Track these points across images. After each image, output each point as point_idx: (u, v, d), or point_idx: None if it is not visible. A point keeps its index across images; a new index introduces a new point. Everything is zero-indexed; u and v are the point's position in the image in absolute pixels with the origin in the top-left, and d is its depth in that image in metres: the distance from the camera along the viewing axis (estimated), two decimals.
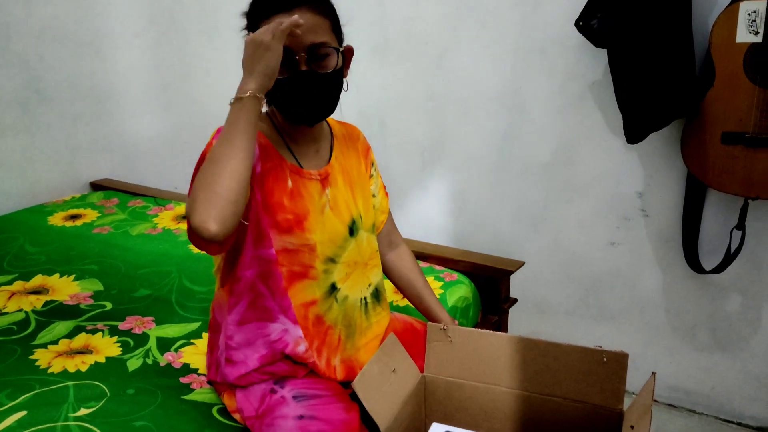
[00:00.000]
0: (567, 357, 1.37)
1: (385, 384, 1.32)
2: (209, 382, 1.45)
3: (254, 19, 1.23)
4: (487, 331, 1.46)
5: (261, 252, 1.26)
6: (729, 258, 1.95)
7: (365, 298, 1.43)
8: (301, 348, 1.32)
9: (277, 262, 1.28)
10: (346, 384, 1.39)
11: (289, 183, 1.28)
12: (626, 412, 1.29)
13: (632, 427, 1.19)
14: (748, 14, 1.71)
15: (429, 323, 1.46)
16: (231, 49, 2.84)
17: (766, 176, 1.79)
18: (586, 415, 1.38)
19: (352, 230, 1.37)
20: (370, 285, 1.44)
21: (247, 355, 1.32)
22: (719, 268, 1.98)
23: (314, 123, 1.31)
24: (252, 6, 1.24)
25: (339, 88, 1.28)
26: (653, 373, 1.24)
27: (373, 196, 1.49)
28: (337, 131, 1.44)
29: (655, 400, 2.29)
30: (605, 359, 1.34)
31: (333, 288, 1.35)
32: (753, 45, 1.72)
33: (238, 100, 1.11)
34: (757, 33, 1.71)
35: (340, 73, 1.27)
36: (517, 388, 1.42)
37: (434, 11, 2.32)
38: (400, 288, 1.59)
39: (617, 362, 1.34)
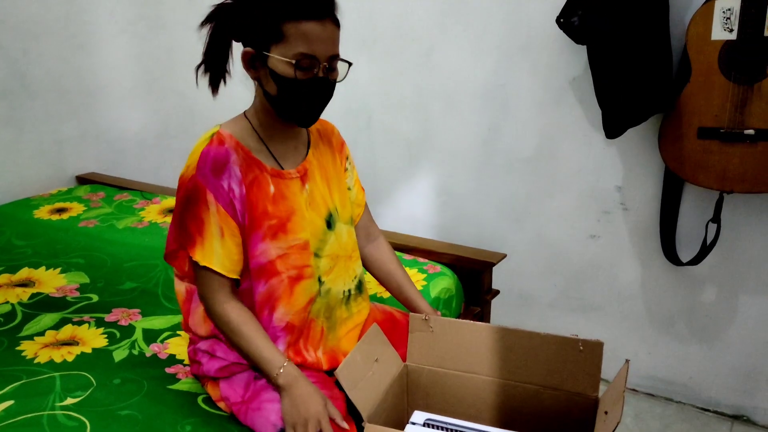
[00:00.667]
0: (544, 346, 1.41)
1: (368, 373, 1.36)
2: (193, 375, 1.48)
3: (279, 13, 1.22)
4: (468, 321, 1.49)
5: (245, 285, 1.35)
6: (705, 250, 2.00)
7: (349, 290, 1.46)
8: (281, 348, 1.37)
9: (260, 273, 1.33)
10: (331, 372, 1.42)
11: (271, 188, 1.32)
12: (601, 399, 1.32)
13: (606, 413, 1.23)
14: (723, 12, 1.75)
15: (411, 314, 1.49)
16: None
17: (740, 170, 1.83)
18: (563, 402, 1.41)
19: (330, 223, 1.41)
20: (355, 277, 1.48)
21: (227, 352, 1.36)
22: (695, 260, 2.03)
23: (307, 125, 1.35)
24: (272, 4, 1.23)
25: (331, 96, 1.34)
26: (627, 361, 1.28)
27: (349, 189, 1.53)
28: (312, 128, 1.47)
29: (634, 390, 2.34)
30: (581, 348, 1.38)
31: (319, 282, 1.39)
32: (728, 42, 1.76)
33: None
34: (731, 30, 1.75)
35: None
36: (497, 377, 1.46)
37: (421, 8, 2.35)
38: (380, 280, 1.62)
39: (593, 351, 1.38)
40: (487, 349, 1.46)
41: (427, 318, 1.48)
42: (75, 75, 2.79)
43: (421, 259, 1.97)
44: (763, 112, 1.76)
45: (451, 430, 1.42)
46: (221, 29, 1.31)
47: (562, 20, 1.93)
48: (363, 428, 1.22)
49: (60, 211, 2.44)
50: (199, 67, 1.34)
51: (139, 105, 3.06)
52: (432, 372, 1.50)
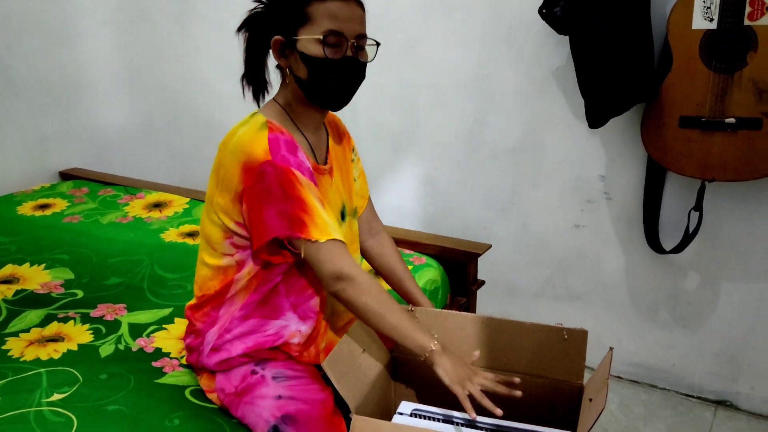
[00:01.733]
0: (530, 335, 1.43)
1: (355, 365, 1.36)
2: (186, 365, 1.48)
3: (301, 2, 1.24)
4: (454, 311, 1.51)
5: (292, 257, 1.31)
6: (687, 238, 2.02)
7: None
8: (295, 340, 1.36)
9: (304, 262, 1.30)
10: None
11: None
12: (586, 386, 1.34)
13: (591, 400, 1.25)
14: (704, 1, 1.76)
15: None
16: (202, 36, 2.84)
17: (721, 159, 1.85)
18: (548, 390, 1.43)
19: (343, 215, 1.42)
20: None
21: (234, 345, 1.35)
22: (678, 248, 2.05)
23: (338, 108, 1.35)
24: None
25: (364, 79, 1.33)
26: (610, 348, 1.29)
27: (354, 180, 1.53)
28: (326, 119, 1.47)
29: (619, 377, 2.36)
30: (566, 336, 1.40)
31: None
32: (708, 31, 1.78)
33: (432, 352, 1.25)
34: (711, 20, 1.77)
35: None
36: (483, 366, 1.47)
37: (403, 2, 2.35)
38: (382, 275, 1.61)
39: (577, 339, 1.40)
40: (473, 338, 1.47)
41: (412, 309, 1.49)
42: (58, 70, 2.77)
43: (407, 251, 1.98)
44: (743, 101, 1.78)
45: (438, 419, 1.44)
46: (257, 37, 1.32)
47: (544, 11, 1.94)
48: (350, 420, 1.23)
49: (43, 207, 2.42)
50: (243, 78, 1.35)
51: (122, 99, 3.04)
52: (418, 363, 1.51)
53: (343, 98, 1.32)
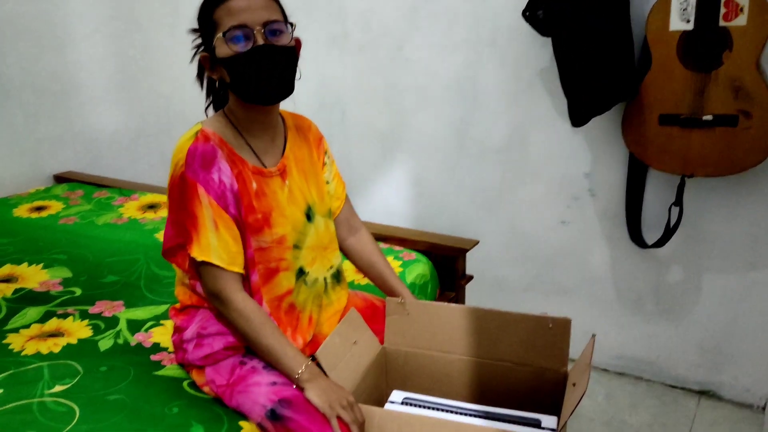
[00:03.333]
0: (516, 325, 1.48)
1: (347, 355, 1.41)
2: (178, 363, 1.53)
3: (209, 6, 1.30)
4: (442, 303, 1.56)
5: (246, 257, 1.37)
6: (669, 232, 2.08)
7: (326, 279, 1.51)
8: None
9: (254, 263, 1.36)
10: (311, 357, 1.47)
11: (254, 185, 1.36)
12: (570, 373, 1.39)
13: (574, 385, 1.30)
14: (680, 3, 1.83)
15: (387, 298, 1.55)
16: (192, 41, 2.88)
17: (700, 155, 1.92)
18: (534, 377, 1.48)
19: (309, 216, 1.46)
20: (331, 267, 1.53)
21: (215, 340, 1.40)
22: (660, 243, 2.11)
23: (274, 101, 1.36)
24: (204, 5, 1.32)
25: (294, 66, 1.35)
26: (593, 336, 1.35)
27: (327, 183, 1.57)
28: (289, 122, 1.51)
29: (605, 369, 2.42)
30: (551, 325, 1.45)
31: (301, 272, 1.44)
32: (685, 32, 1.84)
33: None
34: (688, 21, 1.83)
35: (294, 51, 1.35)
36: (471, 355, 1.52)
37: (390, 4, 2.40)
38: (363, 270, 1.66)
39: (561, 328, 1.45)
40: (461, 329, 1.52)
41: (402, 301, 1.54)
42: (51, 74, 2.80)
43: (397, 247, 2.04)
44: (720, 98, 1.85)
45: (428, 407, 1.49)
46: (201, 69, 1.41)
47: (527, 13, 2.01)
48: None
49: (39, 209, 2.46)
50: (207, 108, 1.45)
51: (115, 104, 3.08)
52: (409, 353, 1.57)
53: (271, 87, 1.32)
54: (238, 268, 1.33)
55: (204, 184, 1.28)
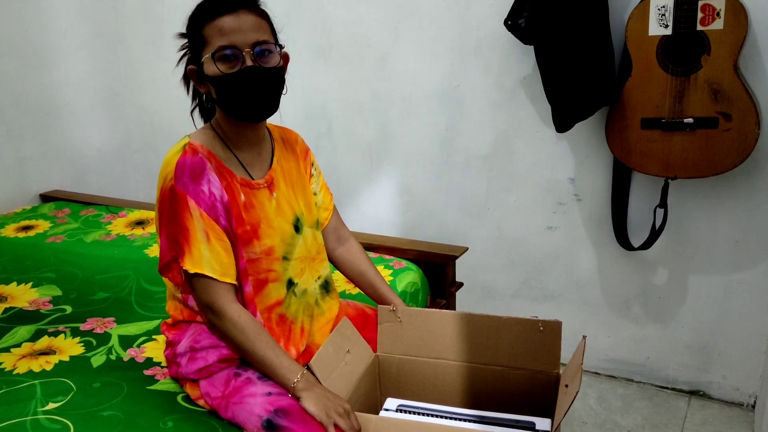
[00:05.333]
0: (507, 328, 1.50)
1: (340, 364, 1.42)
2: (171, 377, 1.53)
3: (198, 21, 1.31)
4: (434, 309, 1.57)
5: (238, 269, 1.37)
6: (654, 235, 2.11)
7: (315, 289, 1.53)
8: None
9: (246, 273, 1.37)
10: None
11: (242, 197, 1.37)
12: (562, 375, 1.41)
13: (567, 386, 1.32)
14: (658, 9, 1.87)
15: (379, 306, 1.56)
16: (175, 57, 2.89)
17: (682, 157, 1.95)
18: (527, 381, 1.50)
19: (297, 227, 1.47)
20: (319, 277, 1.54)
21: (209, 353, 1.40)
22: (646, 245, 2.14)
23: (260, 119, 1.39)
24: (196, 10, 1.33)
25: (281, 85, 1.37)
26: (584, 337, 1.36)
27: (315, 194, 1.58)
28: (276, 135, 1.53)
29: (596, 373, 2.44)
30: (541, 328, 1.47)
31: (290, 283, 1.45)
32: (664, 37, 1.88)
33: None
34: (666, 26, 1.87)
35: (282, 71, 1.37)
36: (463, 360, 1.53)
37: (374, 15, 2.43)
38: (353, 280, 1.67)
39: (552, 330, 1.46)
40: (453, 335, 1.53)
41: (394, 309, 1.55)
42: (35, 93, 2.80)
43: (387, 256, 2.05)
44: (700, 101, 1.88)
45: (423, 413, 1.49)
46: (186, 78, 1.42)
47: (509, 22, 2.04)
48: None
49: (26, 228, 2.45)
50: (193, 111, 1.44)
51: (100, 121, 3.07)
52: (402, 360, 1.57)
53: (258, 108, 1.35)
54: (231, 279, 1.33)
55: (194, 196, 1.29)
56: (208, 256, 1.30)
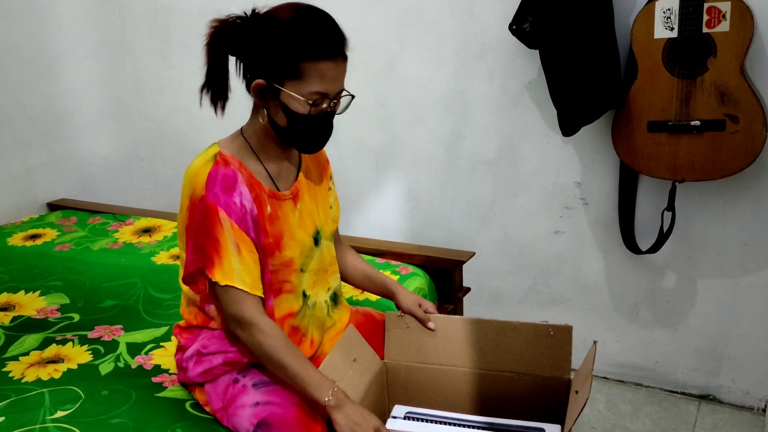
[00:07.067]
0: (516, 333, 1.48)
1: (348, 372, 1.40)
2: (180, 383, 1.53)
3: (297, 51, 1.25)
4: (442, 315, 1.55)
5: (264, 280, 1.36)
6: (662, 238, 2.10)
7: (325, 301, 1.52)
8: None
9: (270, 286, 1.36)
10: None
11: (268, 208, 1.36)
12: (573, 380, 1.40)
13: (577, 392, 1.31)
14: (664, 12, 1.87)
15: (387, 312, 1.55)
16: (182, 66, 2.90)
17: (689, 160, 1.94)
18: (537, 387, 1.48)
19: (317, 240, 1.46)
20: (329, 289, 1.54)
21: (215, 356, 1.40)
22: (654, 248, 2.13)
23: (312, 153, 1.45)
24: (297, 36, 1.25)
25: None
26: (594, 342, 1.35)
27: (330, 207, 1.57)
28: None
29: (605, 377, 2.43)
30: (552, 333, 1.45)
31: (304, 295, 1.44)
32: (669, 40, 1.88)
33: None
34: (672, 29, 1.87)
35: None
36: (472, 366, 1.52)
37: (380, 22, 2.43)
38: (358, 282, 1.66)
39: (563, 335, 1.44)
40: (461, 340, 1.52)
41: (401, 315, 1.54)
42: (42, 102, 2.81)
43: (394, 262, 2.04)
44: (706, 104, 1.88)
45: (432, 420, 1.48)
46: (221, 47, 1.32)
47: (514, 27, 2.04)
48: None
49: (34, 237, 2.46)
50: (203, 88, 1.34)
51: (107, 129, 3.09)
52: (410, 367, 1.56)
53: (318, 147, 1.40)
54: (260, 292, 1.31)
55: (225, 207, 1.27)
56: (239, 268, 1.28)
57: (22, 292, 2.02)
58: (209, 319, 1.41)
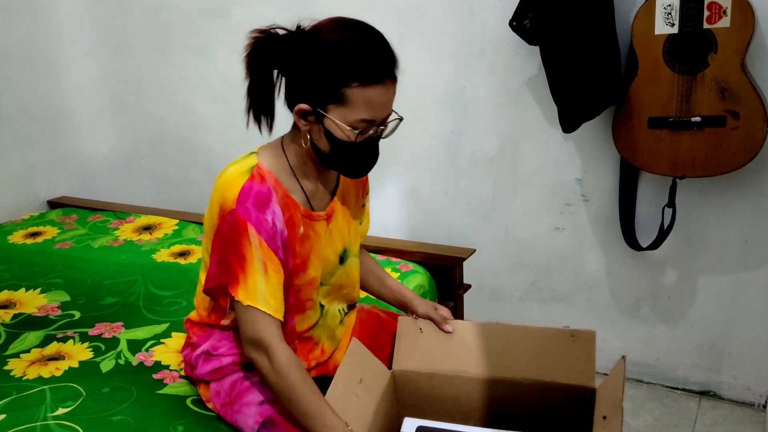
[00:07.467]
0: (536, 339, 1.40)
1: (353, 398, 1.31)
2: (184, 377, 1.53)
3: (342, 75, 1.18)
4: (456, 320, 1.47)
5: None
6: (663, 234, 2.10)
7: (342, 309, 1.51)
8: None
9: (293, 309, 1.35)
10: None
11: (301, 229, 1.31)
12: (597, 399, 1.29)
13: (604, 418, 1.21)
14: (664, 8, 1.86)
15: (399, 317, 1.48)
16: (182, 63, 2.90)
17: (690, 156, 1.94)
18: (559, 396, 1.38)
19: (342, 258, 1.43)
20: (351, 301, 1.53)
21: (224, 357, 1.39)
22: (654, 245, 2.13)
23: (361, 177, 1.38)
24: (343, 58, 1.19)
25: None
26: (622, 357, 1.28)
27: (360, 223, 1.53)
28: None
29: (605, 373, 2.41)
30: (573, 338, 1.37)
31: (321, 307, 1.43)
32: (670, 36, 1.87)
33: None
34: (673, 25, 1.87)
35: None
36: (488, 375, 1.42)
37: (379, 19, 2.41)
38: (364, 285, 1.61)
39: (585, 340, 1.37)
40: (477, 346, 1.44)
41: (415, 317, 1.47)
42: (42, 100, 2.81)
43: (394, 259, 2.04)
44: (707, 100, 1.87)
45: None
46: (264, 61, 1.23)
47: (514, 23, 2.03)
48: None
49: (34, 235, 2.46)
50: (249, 109, 1.26)
51: (106, 128, 3.09)
52: (421, 375, 1.45)
53: (362, 172, 1.33)
54: (281, 316, 1.26)
55: (256, 224, 1.21)
56: (264, 289, 1.23)
57: (23, 289, 2.02)
58: (223, 315, 1.38)
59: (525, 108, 2.28)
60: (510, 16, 2.05)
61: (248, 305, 1.22)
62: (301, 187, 1.32)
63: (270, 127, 1.28)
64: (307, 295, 1.37)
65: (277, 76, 1.26)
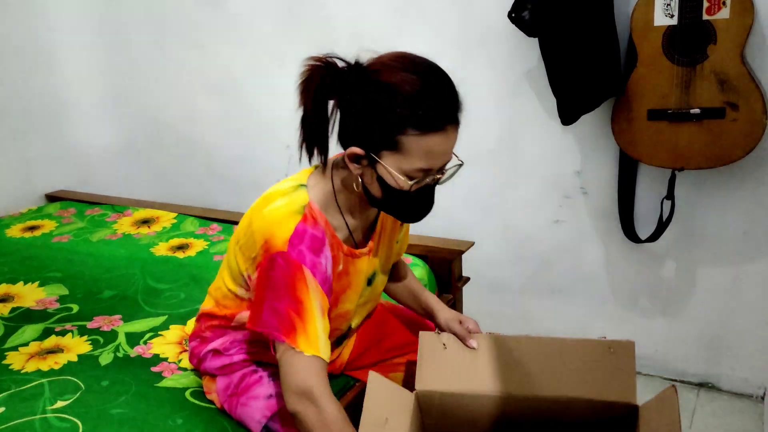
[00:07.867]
0: (570, 352, 1.30)
1: None
2: (184, 369, 1.53)
3: (400, 121, 1.10)
4: (482, 333, 1.38)
5: None
6: (662, 226, 2.10)
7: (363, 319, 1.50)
8: None
9: None
10: None
11: (340, 266, 1.25)
12: (642, 421, 1.20)
13: None
14: None
15: (421, 333, 1.38)
16: (180, 56, 2.89)
17: (689, 148, 1.93)
18: (597, 413, 1.28)
19: (371, 281, 1.38)
20: (369, 314, 1.53)
21: (235, 354, 1.38)
22: (653, 237, 2.13)
23: (414, 222, 1.30)
24: (402, 103, 1.10)
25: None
26: (673, 386, 1.18)
27: (396, 242, 1.46)
28: None
29: None
30: (612, 350, 1.28)
31: (348, 328, 1.42)
32: (669, 27, 1.86)
33: None
34: (672, 16, 1.86)
35: None
36: (519, 393, 1.31)
37: (377, 10, 2.42)
38: (393, 293, 1.58)
39: (625, 352, 1.27)
40: (506, 362, 1.33)
41: (438, 332, 1.38)
42: (40, 94, 2.81)
43: None
44: (706, 92, 1.87)
45: None
46: (321, 91, 1.16)
47: (513, 15, 2.02)
48: None
49: (32, 228, 2.45)
50: (302, 143, 1.19)
51: (104, 121, 3.08)
52: (445, 394, 1.33)
53: (415, 219, 1.26)
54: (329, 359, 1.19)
55: (311, 267, 1.14)
56: (323, 337, 1.16)
57: (21, 283, 2.02)
58: (242, 306, 1.32)
59: (524, 100, 2.27)
60: (509, 7, 2.04)
61: (310, 354, 1.14)
62: (346, 224, 1.27)
63: (324, 164, 1.22)
64: (336, 324, 1.33)
65: (333, 110, 1.18)
